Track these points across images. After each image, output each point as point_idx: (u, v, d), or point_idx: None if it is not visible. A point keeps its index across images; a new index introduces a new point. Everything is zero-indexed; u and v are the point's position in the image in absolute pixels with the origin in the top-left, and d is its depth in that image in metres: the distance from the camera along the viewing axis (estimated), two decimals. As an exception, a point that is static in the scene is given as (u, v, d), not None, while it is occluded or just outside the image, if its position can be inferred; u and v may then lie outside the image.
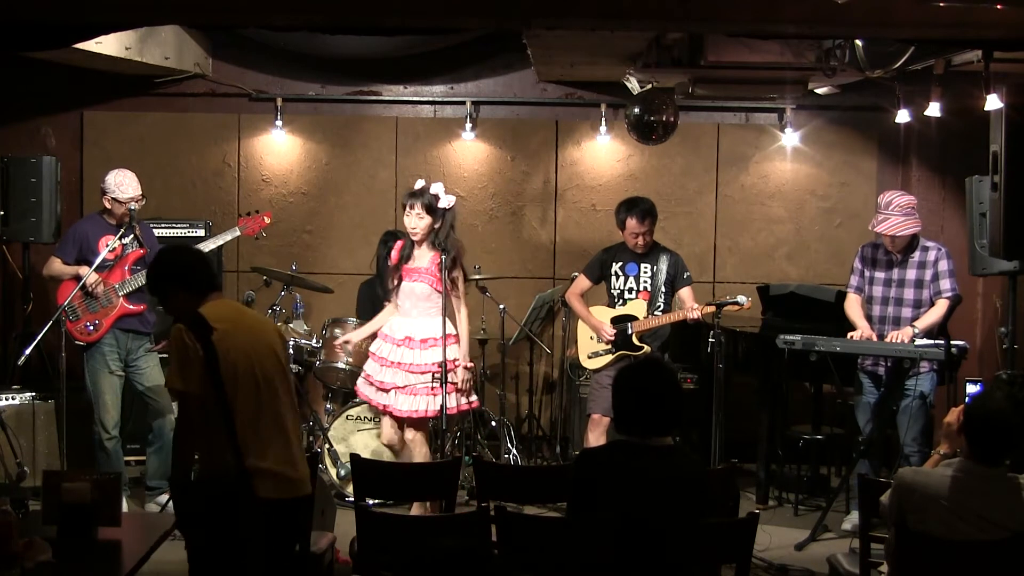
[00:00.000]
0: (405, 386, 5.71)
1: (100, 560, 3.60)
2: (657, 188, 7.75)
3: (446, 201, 5.76)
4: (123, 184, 6.20)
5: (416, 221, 5.73)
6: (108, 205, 6.23)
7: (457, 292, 5.77)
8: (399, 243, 5.93)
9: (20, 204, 6.75)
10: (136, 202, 6.21)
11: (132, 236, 6.18)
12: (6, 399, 6.30)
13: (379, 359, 5.82)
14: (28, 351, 5.86)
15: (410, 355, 5.74)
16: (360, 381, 5.97)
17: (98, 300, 6.14)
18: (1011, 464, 3.69)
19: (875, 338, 5.96)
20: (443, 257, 5.67)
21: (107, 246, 6.10)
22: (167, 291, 3.95)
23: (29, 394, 6.37)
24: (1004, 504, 3.57)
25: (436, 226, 5.74)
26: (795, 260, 8.01)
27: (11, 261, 7.34)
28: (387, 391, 5.77)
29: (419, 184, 5.83)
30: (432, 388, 5.66)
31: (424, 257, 5.78)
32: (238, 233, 6.49)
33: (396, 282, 5.83)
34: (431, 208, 5.72)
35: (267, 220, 6.57)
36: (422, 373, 5.69)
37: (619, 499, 3.53)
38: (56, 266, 6.21)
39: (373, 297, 7.10)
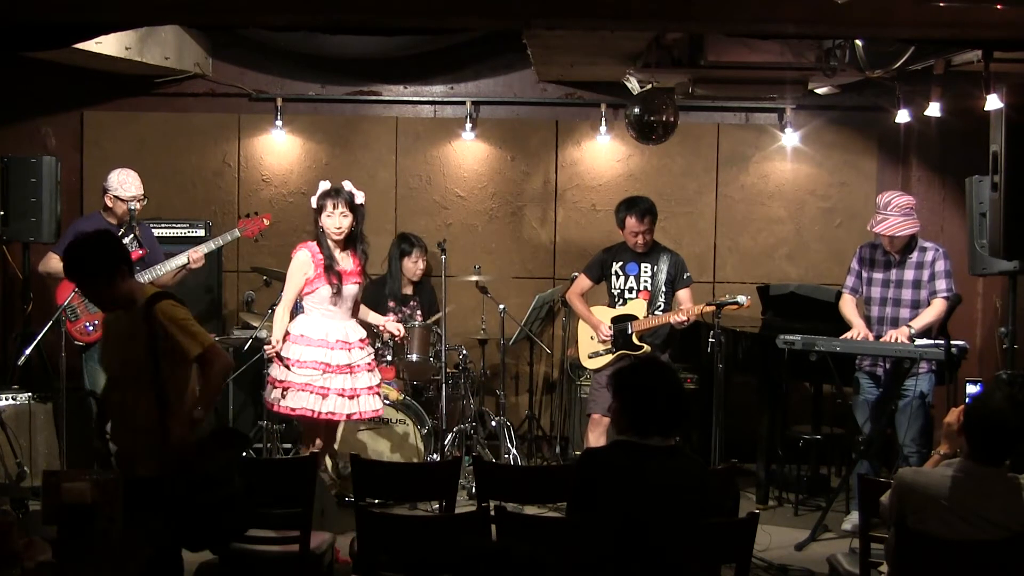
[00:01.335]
0: (370, 387, 5.73)
1: (100, 560, 3.59)
2: (657, 188, 7.75)
3: (360, 197, 5.70)
4: (126, 183, 6.21)
5: (341, 220, 5.61)
6: (110, 203, 6.24)
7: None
8: (311, 248, 5.64)
9: (20, 204, 6.74)
10: (138, 201, 6.21)
11: (132, 236, 6.18)
12: (6, 399, 6.29)
13: (343, 368, 5.63)
14: (28, 351, 5.85)
15: (360, 355, 5.71)
16: (314, 399, 5.57)
17: (98, 300, 6.14)
18: (1011, 464, 3.69)
19: (871, 338, 5.97)
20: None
21: (107, 246, 6.09)
22: (117, 273, 4.10)
23: (28, 394, 6.37)
24: (1004, 504, 3.57)
25: (354, 225, 5.67)
26: (795, 260, 8.01)
27: (11, 261, 7.33)
28: (355, 397, 5.65)
29: (325, 185, 5.69)
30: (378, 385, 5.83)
31: (347, 259, 5.69)
32: (238, 235, 6.50)
33: (336, 287, 5.62)
34: (352, 206, 5.64)
35: (266, 222, 6.57)
36: (371, 371, 5.78)
37: (619, 499, 3.53)
38: (53, 263, 6.20)
39: (379, 297, 7.12)
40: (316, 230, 5.67)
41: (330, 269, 5.61)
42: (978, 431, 3.59)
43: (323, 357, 5.59)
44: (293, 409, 5.58)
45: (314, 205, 5.68)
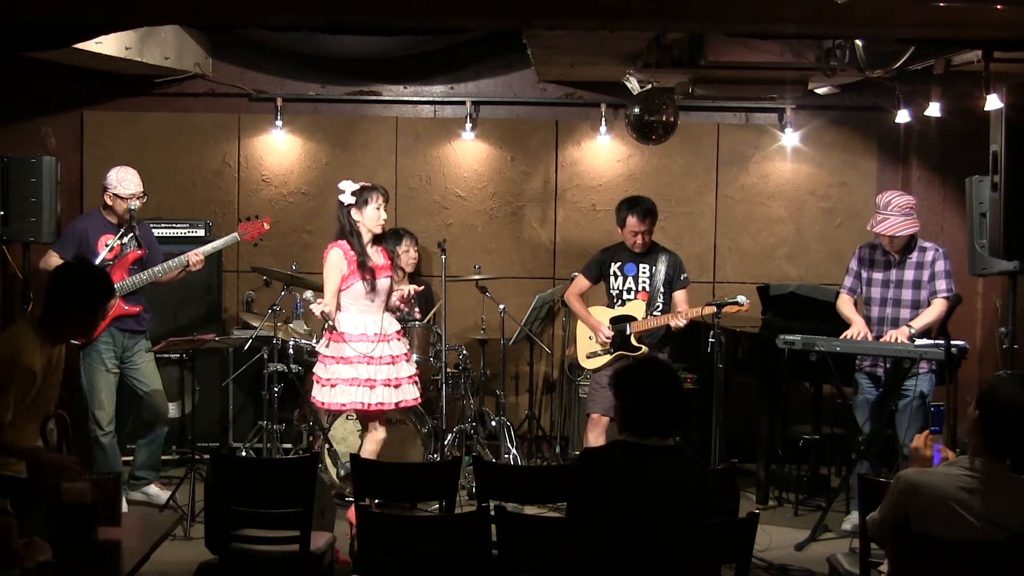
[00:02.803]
0: (410, 375, 5.88)
1: (100, 560, 3.59)
2: (657, 188, 7.75)
3: None
4: (125, 180, 6.21)
5: (384, 214, 5.81)
6: (109, 202, 6.24)
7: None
8: (342, 247, 5.73)
9: (20, 204, 6.73)
10: (137, 199, 6.21)
11: (132, 236, 6.18)
12: (6, 399, 6.28)
13: (377, 359, 5.76)
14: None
15: (399, 347, 5.87)
16: (363, 392, 5.72)
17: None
18: (1013, 465, 3.68)
19: (871, 337, 5.97)
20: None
21: (106, 245, 6.10)
22: None
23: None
24: (1007, 504, 3.56)
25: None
26: (795, 260, 8.01)
27: (11, 261, 7.33)
28: (399, 386, 5.82)
29: (351, 184, 5.81)
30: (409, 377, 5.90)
31: (377, 254, 5.84)
32: (238, 238, 6.51)
33: (370, 283, 5.73)
34: (386, 201, 5.87)
35: (266, 226, 6.57)
36: (408, 360, 5.92)
37: (619, 499, 3.53)
38: (53, 261, 6.18)
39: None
40: (345, 226, 5.78)
41: (363, 265, 5.73)
42: (993, 420, 3.56)
43: (366, 350, 5.73)
44: (343, 404, 5.76)
45: (350, 201, 5.76)
